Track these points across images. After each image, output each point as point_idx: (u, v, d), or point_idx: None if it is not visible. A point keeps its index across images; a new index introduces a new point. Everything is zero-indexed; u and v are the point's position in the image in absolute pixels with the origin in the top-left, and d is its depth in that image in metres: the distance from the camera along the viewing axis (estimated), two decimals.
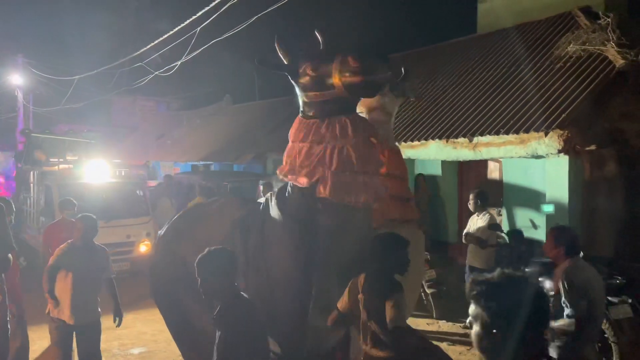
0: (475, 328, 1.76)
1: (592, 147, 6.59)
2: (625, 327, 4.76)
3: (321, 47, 3.52)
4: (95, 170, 9.75)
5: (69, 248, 4.60)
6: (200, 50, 9.18)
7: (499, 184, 8.54)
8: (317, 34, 3.52)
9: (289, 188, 3.55)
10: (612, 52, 7.25)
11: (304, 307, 3.42)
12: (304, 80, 3.41)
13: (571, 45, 7.73)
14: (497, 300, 1.69)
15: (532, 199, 7.79)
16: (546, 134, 6.54)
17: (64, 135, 12.71)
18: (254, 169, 15.14)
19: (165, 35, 9.03)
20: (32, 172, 10.68)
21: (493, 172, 8.86)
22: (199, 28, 8.05)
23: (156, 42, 9.88)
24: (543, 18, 9.59)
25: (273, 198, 3.67)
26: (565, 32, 8.42)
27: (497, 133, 7.22)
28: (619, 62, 7.06)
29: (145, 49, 10.64)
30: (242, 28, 8.27)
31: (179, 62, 9.87)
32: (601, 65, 7.26)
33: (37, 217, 9.88)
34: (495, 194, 8.15)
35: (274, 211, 3.60)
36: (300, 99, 3.52)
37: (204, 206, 4.62)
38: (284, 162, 3.56)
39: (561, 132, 6.42)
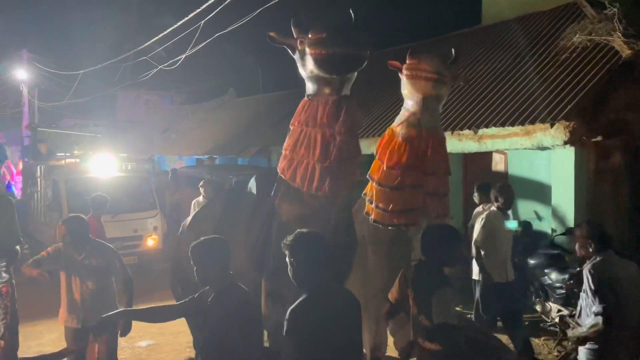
0: None
1: (598, 138, 6.56)
2: None
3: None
4: (102, 164, 9.74)
5: (61, 250, 4.33)
6: (204, 43, 9.18)
7: (504, 176, 8.52)
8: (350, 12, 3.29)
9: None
10: (618, 42, 7.19)
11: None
12: (297, 56, 3.32)
13: (577, 36, 7.67)
14: None
15: (538, 191, 7.76)
16: (552, 126, 6.51)
17: (70, 130, 12.74)
18: (258, 162, 15.16)
19: (170, 29, 9.03)
20: (38, 167, 10.72)
21: (498, 164, 8.83)
22: (202, 21, 8.05)
23: (160, 35, 9.89)
24: (548, 9, 9.52)
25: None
26: (570, 23, 8.36)
27: (503, 125, 7.19)
28: (626, 52, 7.01)
29: (149, 42, 10.66)
30: (246, 21, 8.26)
31: (183, 56, 9.87)
32: (607, 56, 7.21)
33: (44, 212, 9.91)
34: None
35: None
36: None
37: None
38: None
39: (567, 123, 6.39)
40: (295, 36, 3.30)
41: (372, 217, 3.87)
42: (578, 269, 5.53)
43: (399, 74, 4.02)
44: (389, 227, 3.82)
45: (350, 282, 3.57)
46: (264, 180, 3.60)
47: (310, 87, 3.31)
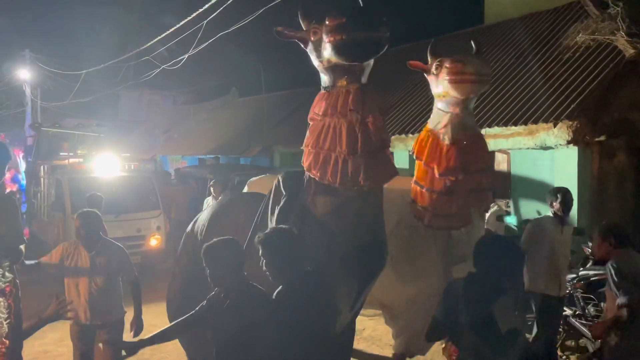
0: None
1: (602, 138, 6.55)
2: None
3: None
4: (106, 164, 9.74)
5: (69, 247, 4.34)
6: (206, 43, 9.19)
7: (507, 175, 8.50)
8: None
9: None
10: (621, 41, 7.17)
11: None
12: (309, 48, 3.14)
13: (580, 35, 7.65)
14: None
15: (541, 190, 7.74)
16: (555, 125, 6.50)
17: (73, 129, 12.77)
18: (260, 162, 15.17)
19: (172, 29, 9.04)
20: (42, 166, 10.74)
21: (501, 163, 8.82)
22: (205, 21, 8.05)
23: (163, 35, 9.90)
24: (551, 8, 9.51)
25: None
26: (574, 22, 8.34)
27: (506, 124, 7.18)
28: (629, 51, 7.00)
29: (151, 42, 10.67)
30: (249, 21, 8.26)
31: (186, 56, 9.89)
32: (611, 55, 7.20)
33: (47, 211, 9.93)
34: (503, 185, 8.11)
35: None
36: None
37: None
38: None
39: (570, 122, 6.38)
40: (305, 28, 3.17)
41: (426, 222, 3.76)
42: (581, 269, 5.53)
43: (425, 75, 3.89)
44: (447, 230, 3.78)
45: (382, 285, 3.48)
46: (292, 179, 3.35)
47: (327, 79, 3.14)
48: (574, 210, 6.72)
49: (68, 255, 4.31)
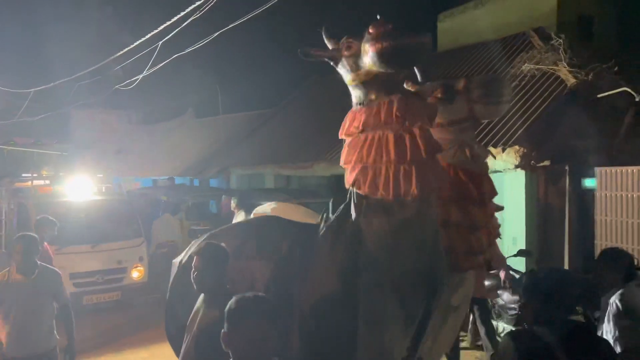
0: None
1: (546, 163, 6.84)
2: None
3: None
4: (77, 186, 8.65)
5: (2, 276, 4.01)
6: (162, 64, 9.10)
7: None
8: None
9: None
10: (564, 71, 7.57)
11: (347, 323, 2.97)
12: (342, 64, 3.02)
13: (526, 65, 8.03)
14: None
15: None
16: (503, 150, 6.74)
17: (32, 148, 11.87)
18: (215, 183, 15.02)
19: (126, 49, 8.91)
20: None
21: None
22: (160, 42, 7.98)
23: (117, 55, 9.73)
24: (499, 37, 9.94)
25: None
26: (520, 52, 8.75)
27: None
28: (571, 81, 7.38)
29: (105, 62, 10.47)
30: (206, 42, 8.24)
31: (140, 76, 9.74)
32: (554, 84, 7.58)
33: (6, 241, 8.43)
34: None
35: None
36: (349, 88, 3.12)
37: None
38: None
39: (517, 148, 6.65)
40: (333, 46, 3.07)
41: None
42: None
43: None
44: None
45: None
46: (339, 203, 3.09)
47: (362, 94, 2.99)
48: (522, 232, 6.98)
49: (6, 288, 3.98)
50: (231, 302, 2.06)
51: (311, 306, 3.05)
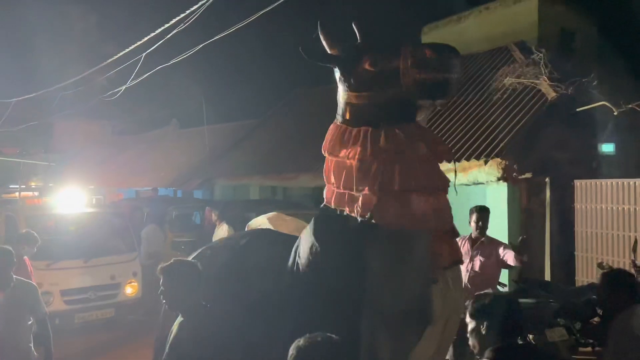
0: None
1: (528, 175, 6.92)
2: (561, 348, 4.92)
3: (358, 41, 3.02)
4: (67, 198, 8.33)
5: None
6: (146, 75, 9.06)
7: None
8: (354, 27, 3.05)
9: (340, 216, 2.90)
10: (544, 85, 7.69)
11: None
12: (359, 76, 2.85)
13: (507, 78, 8.15)
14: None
15: None
16: (486, 162, 6.81)
17: (18, 157, 11.56)
18: (199, 194, 14.92)
19: (110, 60, 8.86)
20: None
21: None
22: (144, 53, 7.95)
23: (101, 65, 9.66)
24: (482, 51, 10.08)
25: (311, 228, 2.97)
26: (502, 65, 8.87)
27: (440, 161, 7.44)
28: (551, 94, 7.51)
29: (89, 72, 10.38)
30: (191, 53, 8.23)
31: (124, 87, 9.68)
32: (535, 98, 7.69)
33: None
34: None
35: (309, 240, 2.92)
36: (344, 99, 2.96)
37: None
38: (329, 185, 2.97)
39: (500, 160, 6.72)
40: (327, 44, 3.00)
41: None
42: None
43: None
44: None
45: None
46: (326, 226, 2.89)
47: (352, 114, 2.92)
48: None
49: None
50: (300, 345, 1.90)
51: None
